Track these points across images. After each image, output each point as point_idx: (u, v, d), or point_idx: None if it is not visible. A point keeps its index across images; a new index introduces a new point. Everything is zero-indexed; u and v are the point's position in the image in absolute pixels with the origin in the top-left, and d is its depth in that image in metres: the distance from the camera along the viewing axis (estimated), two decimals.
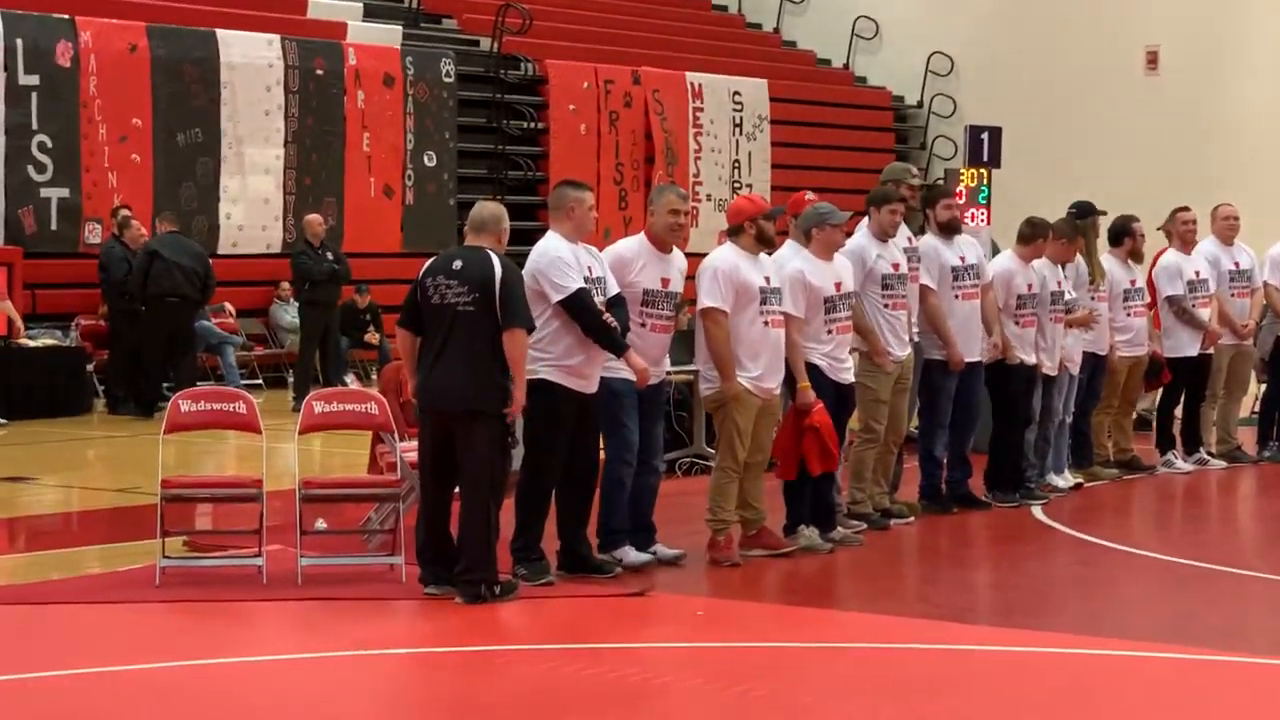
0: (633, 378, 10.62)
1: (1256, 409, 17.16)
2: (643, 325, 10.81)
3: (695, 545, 11.31)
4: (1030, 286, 13.47)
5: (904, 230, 12.62)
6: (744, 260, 11.14)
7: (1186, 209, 15.73)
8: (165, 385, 19.71)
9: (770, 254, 11.41)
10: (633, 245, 11.05)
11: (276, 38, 23.86)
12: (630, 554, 10.86)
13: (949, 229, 13.07)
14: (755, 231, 11.16)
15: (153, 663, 8.85)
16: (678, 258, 11.11)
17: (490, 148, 26.94)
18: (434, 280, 10.00)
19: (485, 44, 27.73)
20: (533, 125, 27.23)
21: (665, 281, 10.95)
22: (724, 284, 11.02)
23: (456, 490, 10.21)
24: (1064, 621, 9.97)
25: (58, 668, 8.60)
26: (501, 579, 10.12)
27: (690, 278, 11.28)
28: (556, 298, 10.34)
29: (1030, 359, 13.45)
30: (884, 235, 12.37)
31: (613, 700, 8.17)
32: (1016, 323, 13.36)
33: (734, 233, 11.29)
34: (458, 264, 10.01)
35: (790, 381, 11.46)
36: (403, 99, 25.03)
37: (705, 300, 11.07)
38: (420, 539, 10.32)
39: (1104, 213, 14.86)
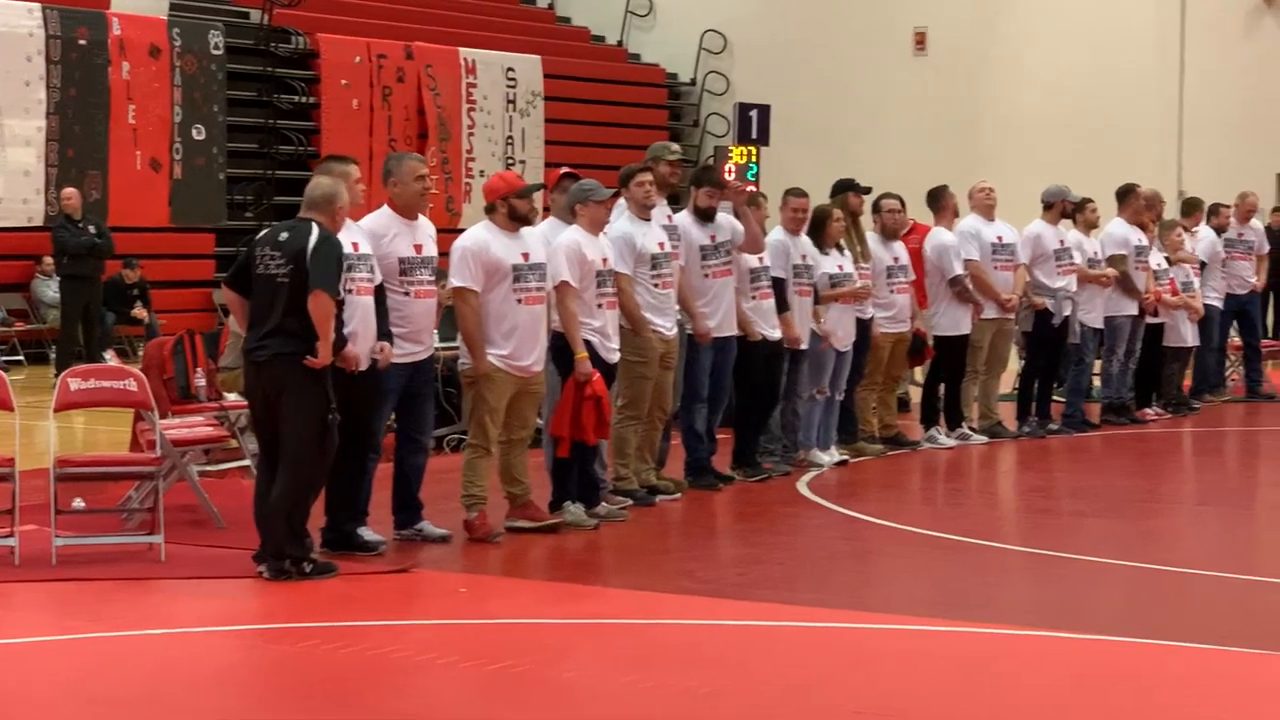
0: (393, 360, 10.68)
1: (1017, 385, 17.48)
2: (406, 294, 10.82)
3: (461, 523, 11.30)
4: (762, 259, 13.58)
5: (663, 209, 12.70)
6: (497, 238, 11.19)
7: (946, 187, 16.08)
8: None
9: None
10: (379, 218, 10.99)
11: (37, 6, 23.39)
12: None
13: (705, 215, 13.13)
14: (507, 209, 11.21)
15: None
16: (425, 224, 11.15)
17: (261, 122, 26.65)
18: (262, 251, 10.06)
19: (255, 16, 27.38)
20: (304, 100, 26.97)
21: (419, 248, 10.98)
22: (473, 263, 11.08)
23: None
24: (828, 596, 10.07)
25: None
26: (319, 559, 10.12)
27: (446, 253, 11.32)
28: None
29: (773, 334, 13.56)
30: (642, 212, 12.43)
31: (370, 678, 8.12)
32: (752, 296, 13.45)
33: (489, 210, 11.33)
34: (283, 235, 10.07)
35: (561, 355, 11.53)
36: (170, 71, 24.65)
37: (454, 280, 11.15)
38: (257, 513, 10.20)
39: (868, 190, 15.04)
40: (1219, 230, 19.52)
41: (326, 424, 10.01)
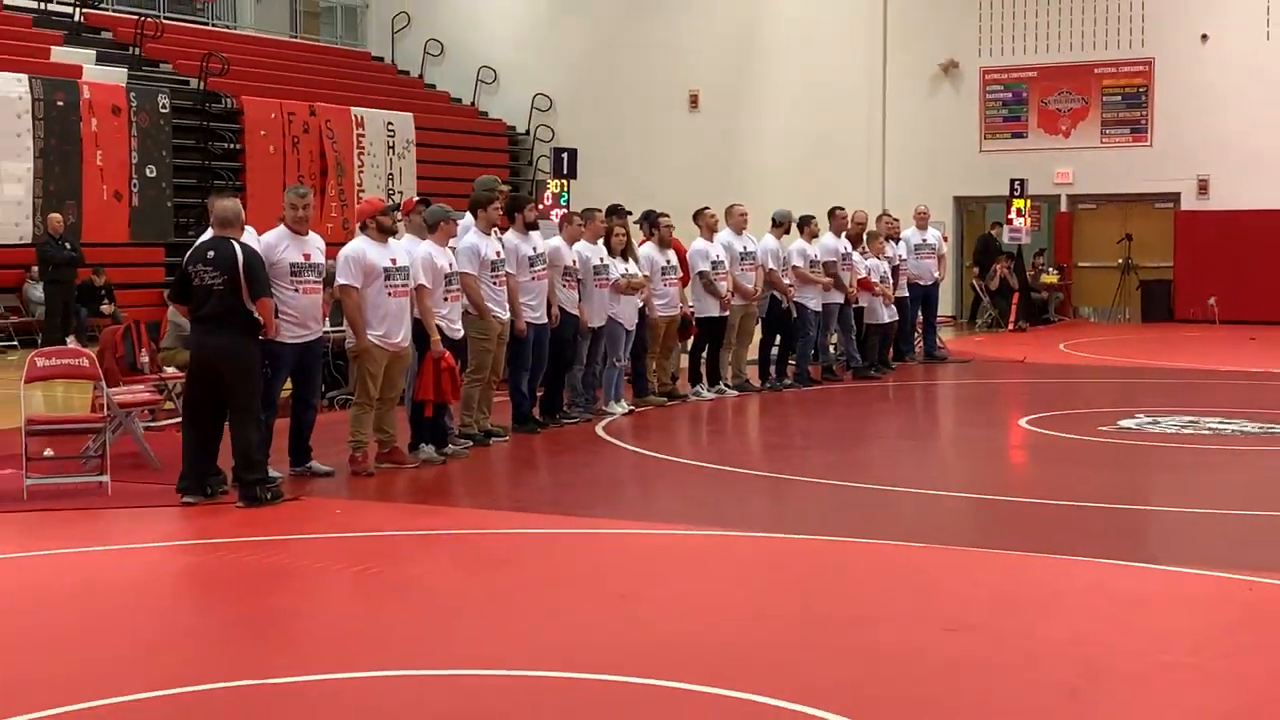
0: (287, 340, 10.44)
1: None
2: (295, 291, 10.57)
3: (344, 461, 11.14)
4: (575, 261, 13.50)
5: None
6: (370, 247, 11.07)
7: (708, 208, 15.97)
8: None
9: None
10: (275, 233, 10.77)
11: (25, 77, 22.67)
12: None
13: (533, 226, 13.06)
14: (376, 225, 11.07)
15: None
16: (314, 238, 10.91)
17: (199, 163, 26.05)
18: (195, 268, 9.81)
19: (194, 83, 26.79)
20: (232, 146, 26.41)
21: (306, 256, 10.74)
22: (354, 266, 10.96)
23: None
24: (618, 510, 10.04)
25: None
26: (274, 487, 9.95)
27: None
28: None
29: (575, 314, 13.46)
30: (488, 228, 12.35)
31: (267, 579, 7.99)
32: (564, 286, 13.35)
33: (363, 228, 11.18)
34: (211, 253, 9.81)
35: (421, 337, 11.41)
36: (128, 125, 24.00)
37: (340, 279, 10.98)
38: (191, 459, 9.90)
39: (629, 213, 15.14)
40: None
41: (266, 380, 10.08)
